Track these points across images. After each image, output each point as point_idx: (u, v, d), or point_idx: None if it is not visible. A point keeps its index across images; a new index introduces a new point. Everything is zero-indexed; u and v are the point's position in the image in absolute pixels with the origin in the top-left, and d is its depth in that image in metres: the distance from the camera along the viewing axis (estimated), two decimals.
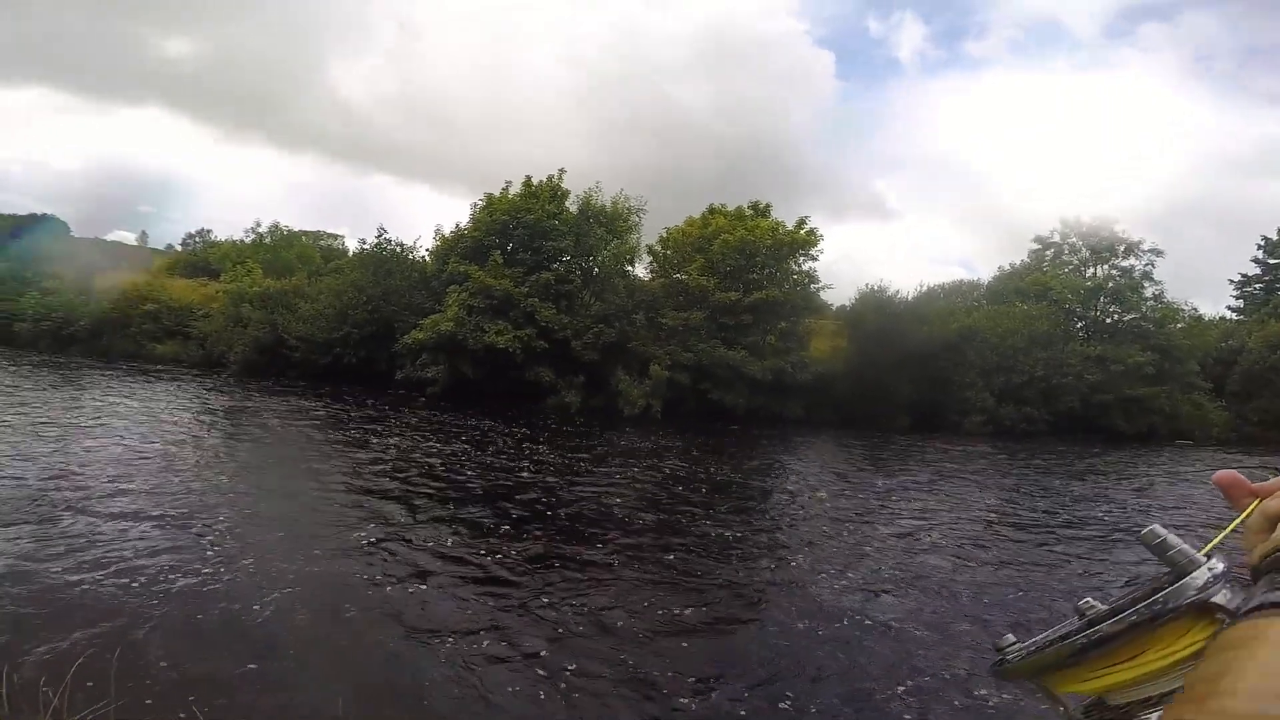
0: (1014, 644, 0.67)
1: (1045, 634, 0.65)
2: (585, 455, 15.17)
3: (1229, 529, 0.72)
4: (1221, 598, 0.55)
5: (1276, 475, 0.74)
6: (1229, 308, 44.35)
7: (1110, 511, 12.82)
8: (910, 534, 9.87)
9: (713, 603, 6.68)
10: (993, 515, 11.53)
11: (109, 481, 9.62)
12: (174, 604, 5.82)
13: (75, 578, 6.17)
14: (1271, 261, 44.65)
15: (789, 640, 5.92)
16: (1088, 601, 0.62)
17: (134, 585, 6.13)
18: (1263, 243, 45.35)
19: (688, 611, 6.36)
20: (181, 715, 3.57)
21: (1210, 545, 0.71)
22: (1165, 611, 0.56)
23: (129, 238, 67.03)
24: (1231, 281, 45.73)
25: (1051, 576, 8.19)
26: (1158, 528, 0.60)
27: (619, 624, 6.03)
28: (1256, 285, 44.58)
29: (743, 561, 8.08)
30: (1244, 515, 0.70)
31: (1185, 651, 0.56)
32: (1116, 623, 0.58)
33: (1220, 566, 0.57)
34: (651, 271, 27.75)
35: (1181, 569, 0.58)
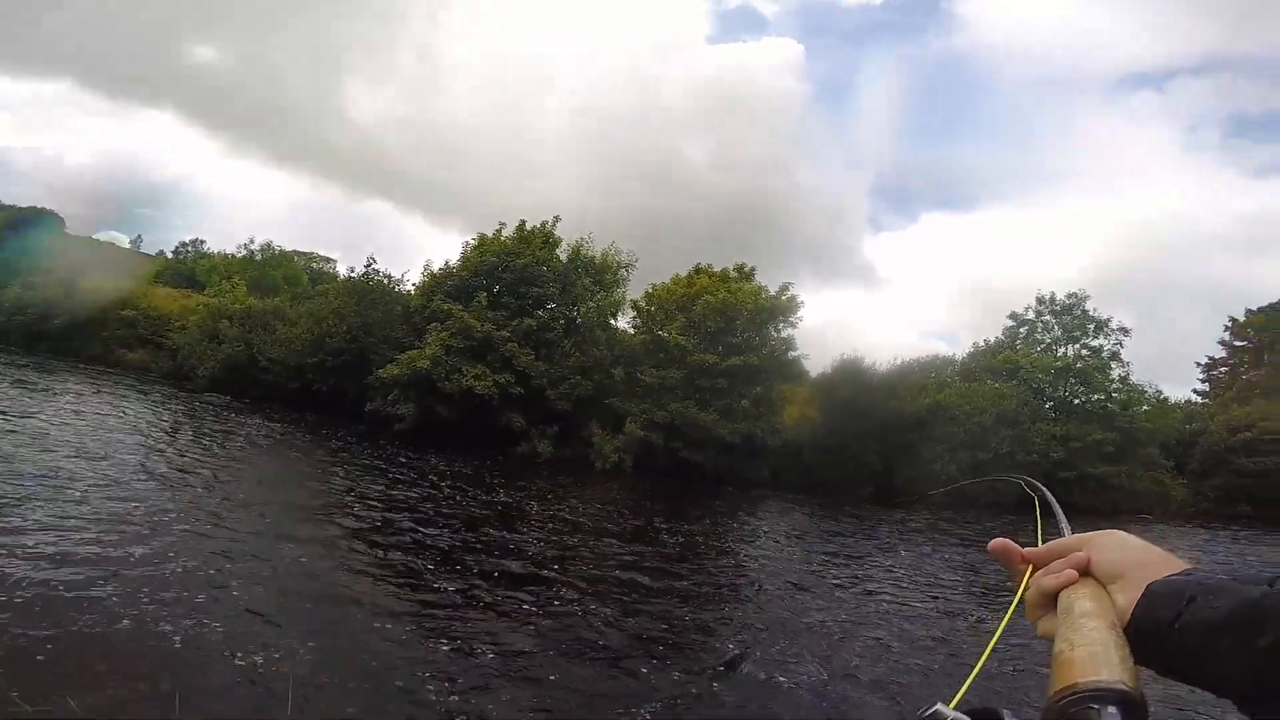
0: None
1: None
2: (551, 506, 15.21)
3: (1010, 610, 0.74)
4: None
5: (1052, 539, 0.78)
6: (1194, 390, 45.29)
7: None
8: (857, 602, 10.22)
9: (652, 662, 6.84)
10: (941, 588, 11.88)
11: (48, 479, 9.98)
12: (85, 612, 5.99)
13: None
14: (1237, 344, 45.52)
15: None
16: None
17: (50, 590, 6.30)
18: (1230, 324, 46.31)
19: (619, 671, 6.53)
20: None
21: (996, 634, 0.76)
22: None
23: (123, 239, 66.62)
24: (1198, 364, 46.65)
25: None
26: (942, 707, 0.56)
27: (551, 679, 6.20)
28: (1221, 369, 45.55)
29: (686, 629, 8.22)
30: (1020, 590, 0.73)
31: None
32: None
33: None
34: (634, 326, 28.05)
35: None
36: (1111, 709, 0.53)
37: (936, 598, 11.27)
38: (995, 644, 0.78)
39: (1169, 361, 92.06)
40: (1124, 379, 33.35)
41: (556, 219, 27.70)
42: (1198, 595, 0.59)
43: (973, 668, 0.73)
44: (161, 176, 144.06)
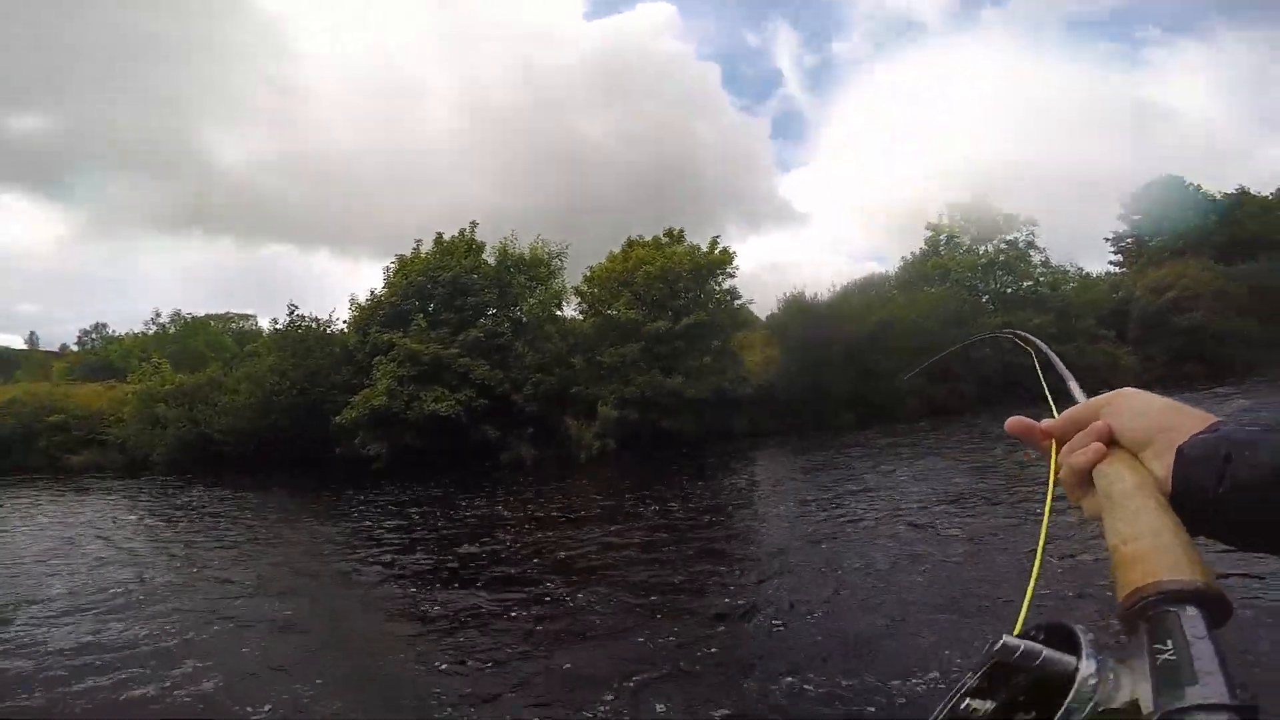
0: None
1: None
2: (537, 508, 15.02)
3: (1049, 494, 0.68)
4: (1121, 698, 0.47)
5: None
6: (1110, 263, 48.05)
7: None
8: (861, 535, 10.14)
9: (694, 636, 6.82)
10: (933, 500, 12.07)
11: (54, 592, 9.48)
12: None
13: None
14: (1135, 217, 48.54)
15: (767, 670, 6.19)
16: (970, 704, 0.55)
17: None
18: (1124, 200, 49.57)
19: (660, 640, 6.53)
20: None
21: (1044, 523, 0.70)
22: None
23: (16, 340, 62.91)
24: (1107, 239, 49.50)
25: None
26: (1009, 640, 0.51)
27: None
28: (1128, 240, 48.29)
29: (711, 592, 8.17)
30: (1052, 470, 0.68)
31: None
32: None
33: (1094, 665, 0.48)
34: (582, 312, 27.96)
35: (1058, 678, 0.50)
36: (1191, 610, 0.47)
37: (935, 512, 11.49)
38: (1044, 543, 0.70)
39: (1080, 242, 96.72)
40: (1045, 263, 35.18)
41: (474, 224, 27.26)
42: (1232, 452, 0.55)
43: (1023, 583, 0.63)
44: (30, 266, 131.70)
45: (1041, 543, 0.68)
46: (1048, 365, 1.13)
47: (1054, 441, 0.69)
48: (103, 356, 41.20)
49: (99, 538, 14.11)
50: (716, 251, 27.18)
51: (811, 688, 5.46)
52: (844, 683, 5.49)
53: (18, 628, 8.22)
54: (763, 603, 7.55)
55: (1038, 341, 1.28)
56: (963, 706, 0.55)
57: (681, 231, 28.30)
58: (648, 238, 28.33)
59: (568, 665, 6.35)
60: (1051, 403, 0.81)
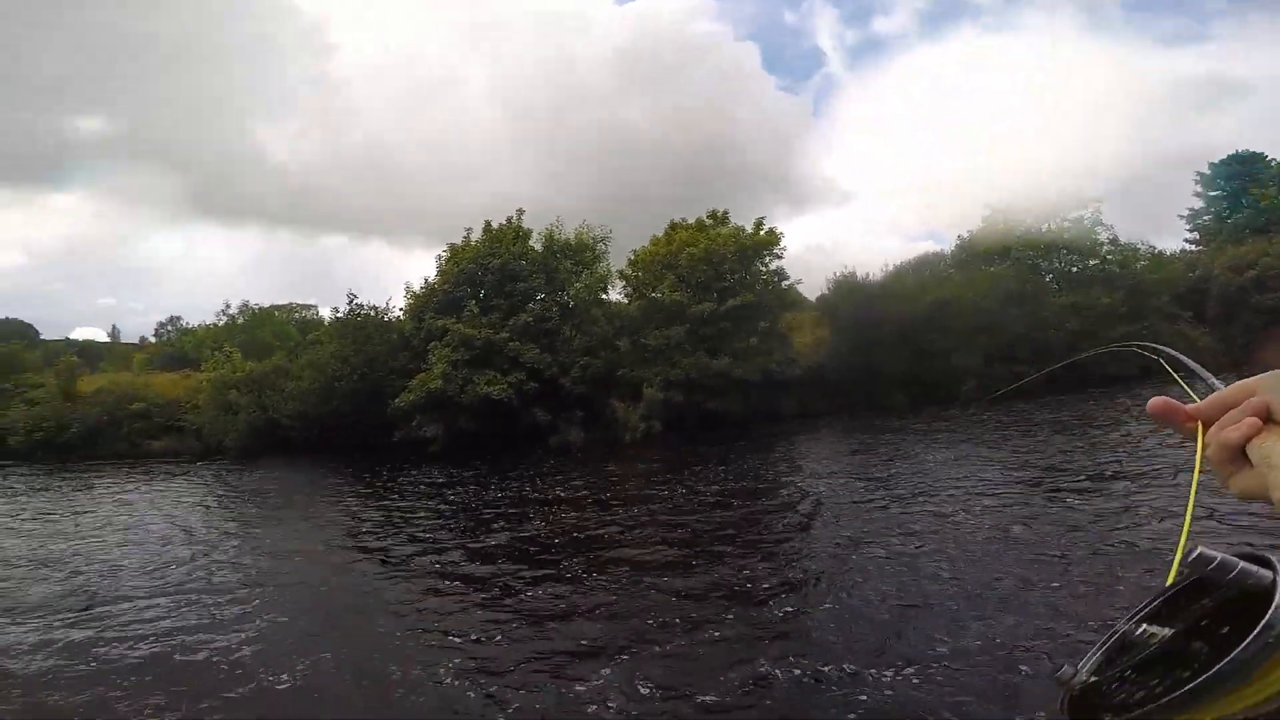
0: (1075, 675, 0.57)
1: (1099, 662, 0.57)
2: (582, 490, 15.22)
3: (1196, 473, 0.69)
4: None
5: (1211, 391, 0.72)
6: (1185, 240, 45.74)
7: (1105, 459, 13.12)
8: (917, 524, 9.93)
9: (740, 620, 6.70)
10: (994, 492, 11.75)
11: (133, 571, 10.33)
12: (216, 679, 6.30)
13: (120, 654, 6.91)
14: (1211, 194, 46.17)
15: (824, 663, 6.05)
16: (1146, 630, 0.56)
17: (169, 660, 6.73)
18: (1198, 177, 47.14)
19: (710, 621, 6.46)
20: None
21: (1190, 504, 0.72)
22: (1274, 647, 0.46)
23: (100, 334, 67.01)
24: (1181, 216, 47.20)
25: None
26: (1205, 550, 0.51)
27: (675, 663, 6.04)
28: (1205, 217, 45.94)
29: (762, 582, 8.04)
30: (1200, 449, 0.68)
31: None
32: (1229, 662, 0.47)
33: None
34: (627, 295, 28.18)
35: (1257, 589, 0.50)
36: None
37: (988, 501, 11.18)
38: (1192, 510, 0.73)
39: (1153, 221, 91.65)
40: (1113, 241, 33.52)
41: (520, 212, 27.81)
42: None
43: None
44: (103, 260, 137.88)
45: (1190, 509, 0.73)
46: (1177, 365, 1.15)
47: (1200, 424, 0.69)
48: (178, 347, 43.67)
49: (171, 518, 14.97)
50: (762, 233, 26.97)
51: (847, 681, 5.37)
52: (895, 677, 5.33)
53: (87, 606, 8.79)
54: (803, 591, 7.43)
55: (1168, 349, 1.32)
56: (1138, 633, 0.56)
57: (726, 213, 28.17)
58: (691, 220, 28.30)
59: (584, 642, 6.43)
60: (1190, 391, 0.84)
